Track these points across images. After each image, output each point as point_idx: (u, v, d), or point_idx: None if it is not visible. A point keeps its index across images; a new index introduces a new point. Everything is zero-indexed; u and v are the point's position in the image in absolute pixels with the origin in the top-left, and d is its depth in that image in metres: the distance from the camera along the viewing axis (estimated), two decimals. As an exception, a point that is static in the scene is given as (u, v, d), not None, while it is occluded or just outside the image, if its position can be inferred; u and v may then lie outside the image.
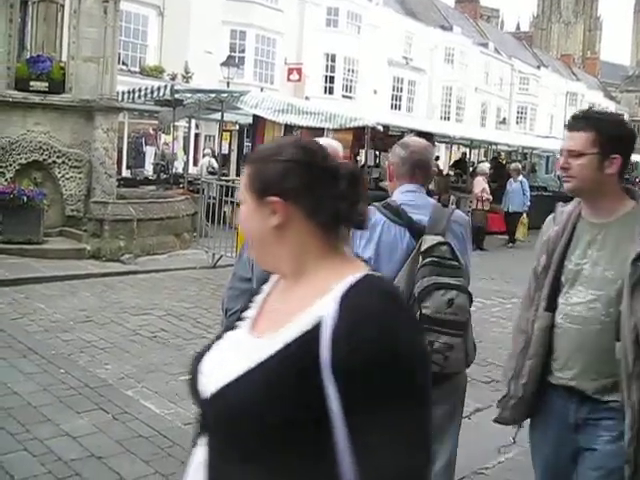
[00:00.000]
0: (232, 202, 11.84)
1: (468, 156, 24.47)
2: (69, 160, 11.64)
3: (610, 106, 76.05)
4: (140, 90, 15.83)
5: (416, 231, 2.88)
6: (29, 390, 5.26)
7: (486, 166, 16.93)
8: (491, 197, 15.95)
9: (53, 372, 5.73)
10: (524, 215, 16.36)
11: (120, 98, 13.99)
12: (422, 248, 2.81)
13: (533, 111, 56.05)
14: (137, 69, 25.78)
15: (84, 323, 7.36)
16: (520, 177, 16.64)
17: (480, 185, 15.75)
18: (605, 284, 2.36)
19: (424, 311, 2.71)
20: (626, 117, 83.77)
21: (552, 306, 2.49)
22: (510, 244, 16.48)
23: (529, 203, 16.33)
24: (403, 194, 3.03)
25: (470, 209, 16.34)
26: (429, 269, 2.75)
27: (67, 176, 11.62)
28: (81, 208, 11.64)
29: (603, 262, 2.39)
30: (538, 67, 60.35)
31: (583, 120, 2.46)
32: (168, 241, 12.00)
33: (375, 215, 2.96)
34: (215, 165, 20.07)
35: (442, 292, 2.72)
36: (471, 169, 21.84)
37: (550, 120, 59.16)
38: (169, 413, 5.07)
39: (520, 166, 18.23)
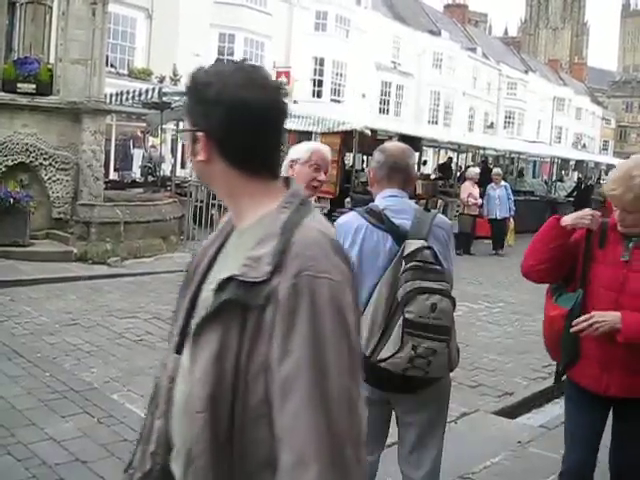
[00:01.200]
0: (220, 205, 11.84)
1: (455, 160, 24.48)
2: (56, 162, 11.59)
3: (597, 111, 76.72)
4: (128, 92, 15.80)
5: (399, 236, 2.88)
6: (14, 393, 5.24)
7: (475, 171, 16.61)
8: (480, 201, 15.56)
9: (38, 375, 5.70)
10: (511, 220, 16.34)
11: (108, 100, 13.96)
12: (405, 252, 2.81)
13: (520, 116, 56.31)
14: (125, 71, 25.75)
15: (70, 326, 7.33)
16: (503, 182, 16.35)
17: (467, 190, 15.50)
18: None
19: (407, 316, 2.71)
20: (613, 123, 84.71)
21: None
22: (501, 250, 15.70)
23: (514, 207, 16.17)
24: (385, 199, 3.04)
25: (457, 214, 16.32)
26: (412, 273, 2.75)
27: (54, 178, 11.57)
28: (68, 211, 11.59)
29: None
30: (526, 72, 60.70)
31: None
32: (155, 244, 11.96)
33: (358, 220, 2.96)
34: (203, 168, 20.00)
35: (425, 296, 2.72)
36: (459, 174, 21.85)
37: (537, 125, 59.52)
38: (154, 417, 5.05)
39: (501, 171, 17.90)
